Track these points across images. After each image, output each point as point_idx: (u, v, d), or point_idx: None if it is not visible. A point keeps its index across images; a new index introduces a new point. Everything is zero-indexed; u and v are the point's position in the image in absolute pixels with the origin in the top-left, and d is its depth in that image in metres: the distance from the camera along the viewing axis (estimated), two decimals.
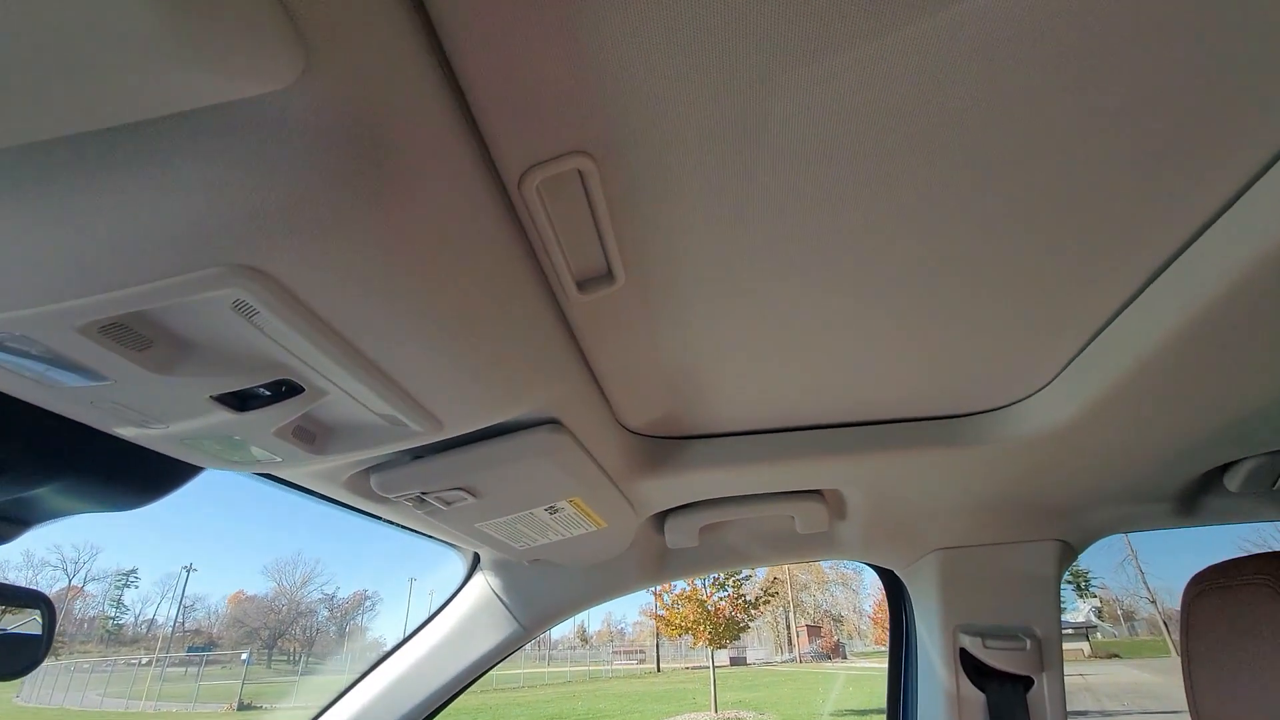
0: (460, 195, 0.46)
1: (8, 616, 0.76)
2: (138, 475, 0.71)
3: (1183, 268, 0.63)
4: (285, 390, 0.56)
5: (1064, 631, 1.33)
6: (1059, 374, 0.86)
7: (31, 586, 0.75)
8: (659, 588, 17.76)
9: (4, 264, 0.39)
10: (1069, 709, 1.27)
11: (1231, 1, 0.41)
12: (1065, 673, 1.29)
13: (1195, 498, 1.24)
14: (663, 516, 1.31)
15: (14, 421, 0.59)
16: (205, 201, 0.37)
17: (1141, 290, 0.68)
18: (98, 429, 0.59)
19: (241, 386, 0.53)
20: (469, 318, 0.55)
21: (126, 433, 0.59)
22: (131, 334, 0.46)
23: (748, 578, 17.88)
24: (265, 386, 0.55)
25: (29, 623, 0.74)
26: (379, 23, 0.35)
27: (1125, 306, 0.71)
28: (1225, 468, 1.10)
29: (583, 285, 0.62)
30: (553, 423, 0.80)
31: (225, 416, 0.56)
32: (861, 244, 0.61)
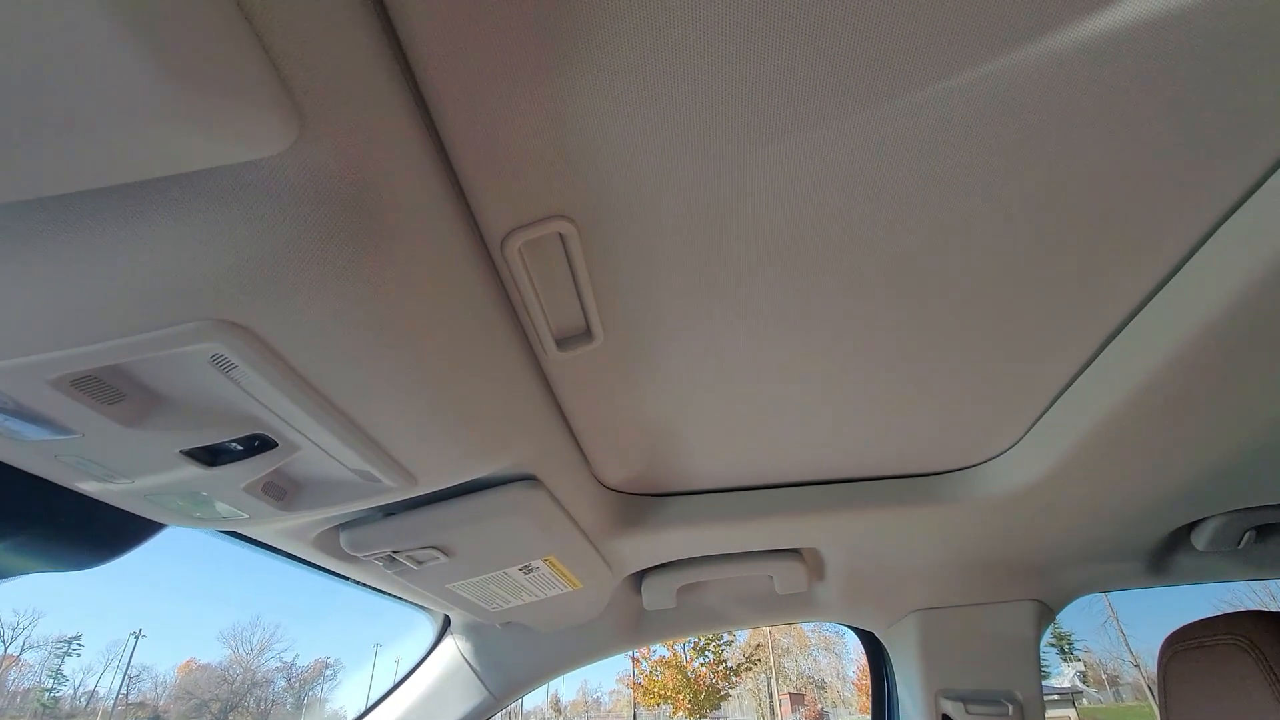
0: (443, 255, 0.48)
1: None
2: (94, 533, 0.69)
3: (1135, 332, 0.67)
4: (258, 445, 0.55)
5: (1050, 698, 1.31)
6: (1026, 433, 0.88)
7: None
8: (637, 653, 17.12)
9: None
10: None
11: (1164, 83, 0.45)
12: None
13: (1165, 557, 1.25)
14: (639, 578, 1.29)
15: None
16: (189, 257, 0.38)
17: (1098, 353, 0.71)
18: (55, 484, 0.57)
19: (213, 441, 0.53)
20: (448, 374, 0.56)
21: (89, 488, 0.58)
22: (104, 387, 0.46)
23: (728, 643, 17.35)
24: (237, 441, 0.54)
25: None
26: (370, 91, 0.37)
27: (1084, 368, 0.74)
28: (1192, 526, 1.12)
29: (562, 343, 0.63)
30: (529, 479, 0.80)
31: (195, 471, 0.55)
32: (833, 308, 0.64)
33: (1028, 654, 1.30)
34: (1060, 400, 0.79)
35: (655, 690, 16.30)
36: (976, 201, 0.53)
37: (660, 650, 16.62)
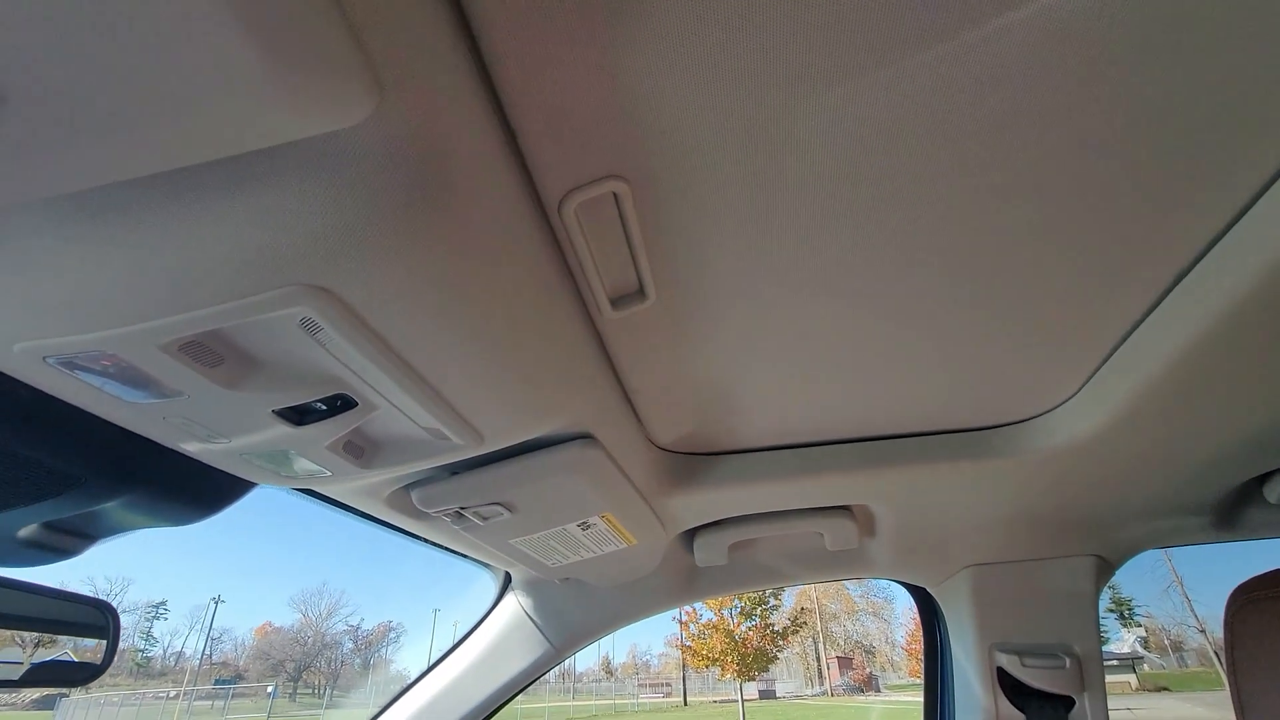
0: (506, 219, 0.50)
1: (39, 650, 0.80)
2: (195, 491, 0.75)
3: (1204, 272, 0.64)
4: (340, 405, 0.59)
5: (1109, 663, 1.30)
6: (1084, 384, 0.86)
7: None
8: (685, 618, 17.47)
9: (102, 286, 0.43)
10: None
11: (1236, 22, 0.43)
12: (1112, 708, 1.26)
13: (1234, 511, 1.21)
14: (692, 535, 1.32)
15: (86, 439, 0.63)
16: (281, 226, 0.41)
17: (1164, 296, 0.69)
18: (161, 446, 0.63)
19: (301, 401, 0.57)
20: (511, 334, 0.59)
21: (191, 448, 0.63)
22: (206, 351, 0.50)
23: (775, 608, 17.52)
24: (322, 401, 0.58)
25: (61, 653, 0.78)
26: (442, 61, 0.39)
27: (1148, 313, 0.72)
28: (1264, 478, 1.08)
29: (616, 303, 0.65)
30: (586, 438, 0.83)
31: (284, 430, 0.60)
32: (885, 261, 0.64)
33: (1086, 609, 1.28)
34: (1122, 348, 0.77)
35: (703, 653, 16.64)
36: (1034, 144, 0.52)
37: (707, 614, 16.92)
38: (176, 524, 0.78)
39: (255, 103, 0.31)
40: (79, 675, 0.77)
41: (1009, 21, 0.43)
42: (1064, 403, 0.92)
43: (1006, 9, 0.42)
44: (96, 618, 0.77)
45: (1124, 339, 0.77)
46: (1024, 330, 0.76)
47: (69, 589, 0.74)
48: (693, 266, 0.64)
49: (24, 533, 0.69)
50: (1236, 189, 0.57)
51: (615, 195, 0.53)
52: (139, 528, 0.76)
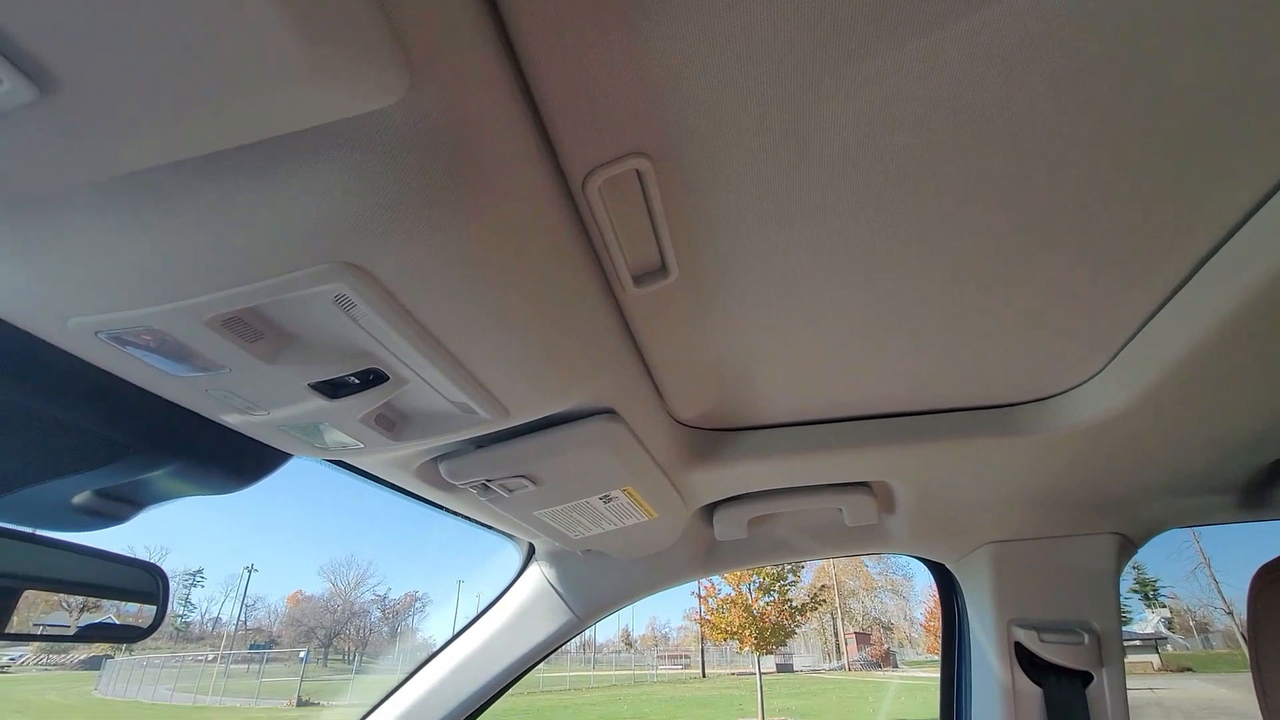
0: (531, 196, 0.51)
1: (84, 614, 0.85)
2: (235, 462, 0.78)
3: (1234, 250, 0.63)
4: (372, 379, 0.61)
5: (1131, 643, 1.29)
6: (1110, 361, 0.85)
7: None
8: (704, 592, 17.69)
9: (150, 265, 0.45)
10: None
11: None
12: (1133, 687, 1.26)
13: (1261, 489, 1.20)
14: (711, 509, 1.34)
15: (135, 411, 0.66)
16: (317, 206, 0.42)
17: (1193, 273, 0.68)
18: (204, 419, 0.66)
19: (335, 375, 0.59)
20: (536, 310, 0.60)
21: (231, 420, 0.66)
22: (247, 327, 0.52)
23: (793, 584, 17.65)
24: (355, 375, 0.61)
25: (106, 616, 0.83)
26: (469, 43, 0.39)
27: (1178, 290, 0.71)
28: None
29: (638, 279, 0.66)
30: (609, 413, 0.85)
31: (319, 403, 0.62)
32: (909, 237, 0.64)
33: (1107, 586, 1.28)
34: (1150, 325, 0.76)
35: (722, 626, 16.87)
36: (1060, 120, 0.51)
37: (726, 590, 17.11)
38: (218, 493, 0.82)
39: (294, 84, 0.32)
40: (131, 634, 0.82)
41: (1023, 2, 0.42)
42: (1089, 379, 0.91)
43: None
44: (147, 581, 0.82)
45: (1152, 315, 0.76)
46: (1050, 306, 0.75)
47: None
48: (715, 243, 0.64)
49: (78, 499, 0.73)
50: (1269, 165, 0.55)
51: (638, 172, 0.54)
52: (183, 496, 0.80)
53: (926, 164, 0.55)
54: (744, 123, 0.51)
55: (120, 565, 0.80)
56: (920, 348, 0.84)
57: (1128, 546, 1.31)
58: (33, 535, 0.73)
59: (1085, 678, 1.25)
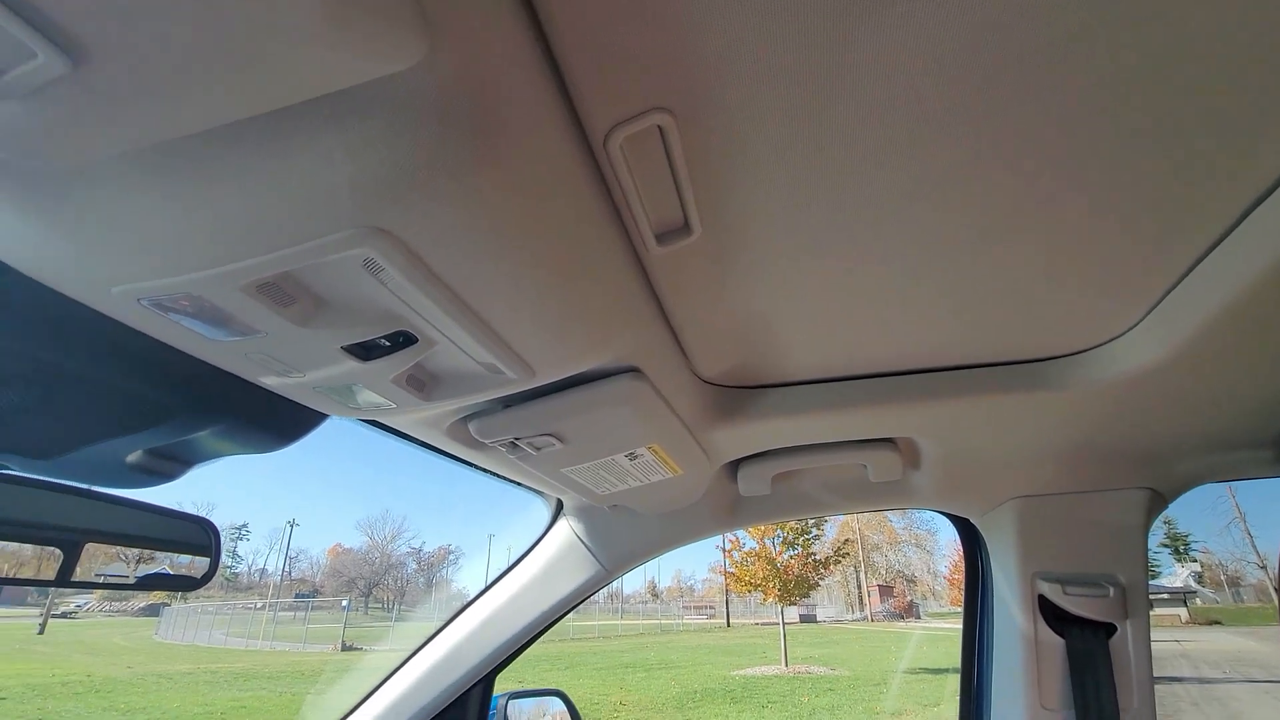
0: (553, 155, 0.51)
1: (140, 565, 0.90)
2: (274, 422, 0.82)
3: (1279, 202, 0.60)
4: (402, 341, 0.63)
5: (1159, 596, 1.29)
6: (1149, 312, 0.83)
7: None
8: (728, 545, 18.01)
9: (185, 233, 0.46)
10: (1164, 675, 1.24)
11: None
12: (1159, 640, 1.26)
13: None
14: (736, 465, 1.36)
15: (180, 374, 0.69)
16: (342, 172, 0.43)
17: (1236, 224, 0.65)
18: (244, 381, 0.69)
19: (366, 337, 0.60)
20: (560, 271, 0.61)
21: (270, 382, 0.68)
22: (280, 292, 0.53)
23: (816, 538, 17.85)
24: (385, 338, 0.62)
25: (160, 566, 0.88)
26: (487, 2, 0.39)
27: (1222, 239, 0.68)
28: None
29: (661, 238, 0.66)
30: (633, 371, 0.85)
31: (352, 365, 0.64)
32: (938, 187, 0.62)
33: (1135, 540, 1.27)
34: (1194, 272, 0.73)
35: (746, 579, 17.22)
36: (1097, 61, 0.49)
37: (750, 543, 17.40)
38: (259, 451, 0.85)
39: (314, 48, 0.33)
40: (186, 584, 0.87)
41: None
42: (1126, 332, 0.89)
43: None
44: (199, 534, 0.87)
45: (1194, 265, 0.73)
46: (1086, 257, 0.73)
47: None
48: (739, 200, 0.64)
49: (131, 458, 0.77)
50: None
51: (660, 128, 0.53)
52: (227, 454, 0.84)
53: (957, 110, 0.53)
54: (768, 73, 0.50)
55: (174, 519, 0.85)
56: (949, 302, 0.83)
57: (1158, 501, 1.30)
58: (92, 491, 0.77)
59: (1109, 629, 1.25)
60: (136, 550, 0.89)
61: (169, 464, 0.81)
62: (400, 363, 0.66)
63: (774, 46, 0.47)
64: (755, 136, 0.56)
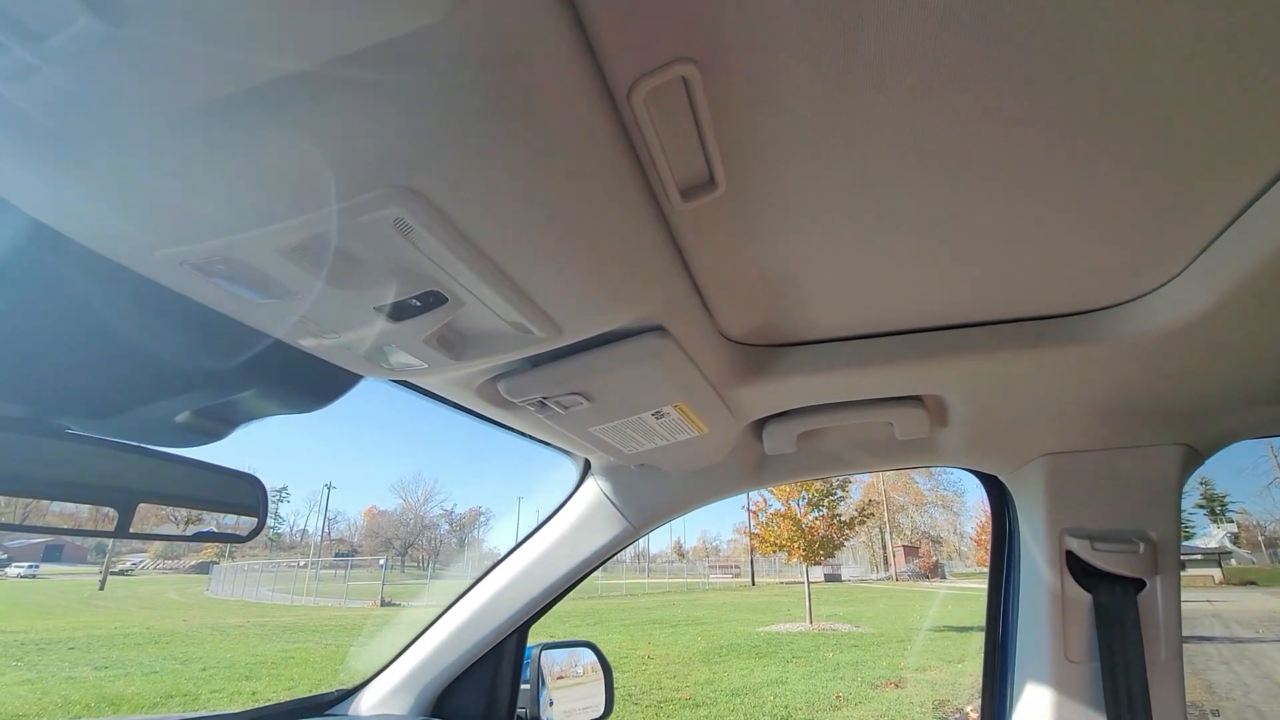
0: (577, 111, 0.50)
1: (190, 525, 0.94)
2: (313, 383, 0.84)
3: None
4: (433, 301, 0.64)
5: (1192, 557, 1.27)
6: (1193, 261, 0.80)
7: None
8: (752, 506, 18.18)
9: (226, 196, 0.47)
10: (1194, 635, 1.24)
11: None
12: (1192, 599, 1.25)
13: None
14: (761, 423, 1.36)
15: (225, 337, 0.71)
16: (372, 133, 0.43)
17: None
18: (284, 344, 0.71)
19: (398, 298, 0.62)
20: (585, 228, 0.61)
21: (307, 343, 0.70)
22: (314, 254, 0.55)
23: (842, 499, 17.91)
24: (416, 298, 0.63)
25: (246, 504, 0.93)
26: None
27: (1269, 187, 0.65)
28: None
29: (685, 194, 0.65)
30: (658, 330, 0.86)
31: (385, 325, 0.66)
32: (967, 138, 0.60)
33: (1168, 497, 1.25)
34: (1242, 218, 0.70)
35: (771, 539, 17.42)
36: (1141, 6, 0.46)
37: (775, 504, 17.54)
38: (299, 411, 0.88)
39: (339, 5, 0.33)
40: (235, 538, 0.92)
41: None
42: (1168, 282, 0.86)
43: None
44: (247, 491, 0.91)
45: (1243, 210, 0.70)
46: (1124, 208, 0.70)
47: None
48: (764, 154, 0.63)
49: (180, 417, 0.81)
50: None
51: (685, 80, 0.52)
52: (269, 414, 0.87)
53: (986, 57, 0.51)
54: (794, 20, 0.48)
55: (225, 475, 0.89)
56: (980, 256, 0.81)
57: (1194, 457, 1.27)
58: (146, 449, 0.82)
59: (1138, 585, 1.25)
60: (186, 511, 0.94)
61: (217, 424, 0.85)
62: (431, 322, 0.67)
63: None
64: (781, 87, 0.54)
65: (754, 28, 0.49)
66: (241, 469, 0.90)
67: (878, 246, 0.79)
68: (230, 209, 0.49)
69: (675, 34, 0.49)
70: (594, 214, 0.60)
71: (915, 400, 1.23)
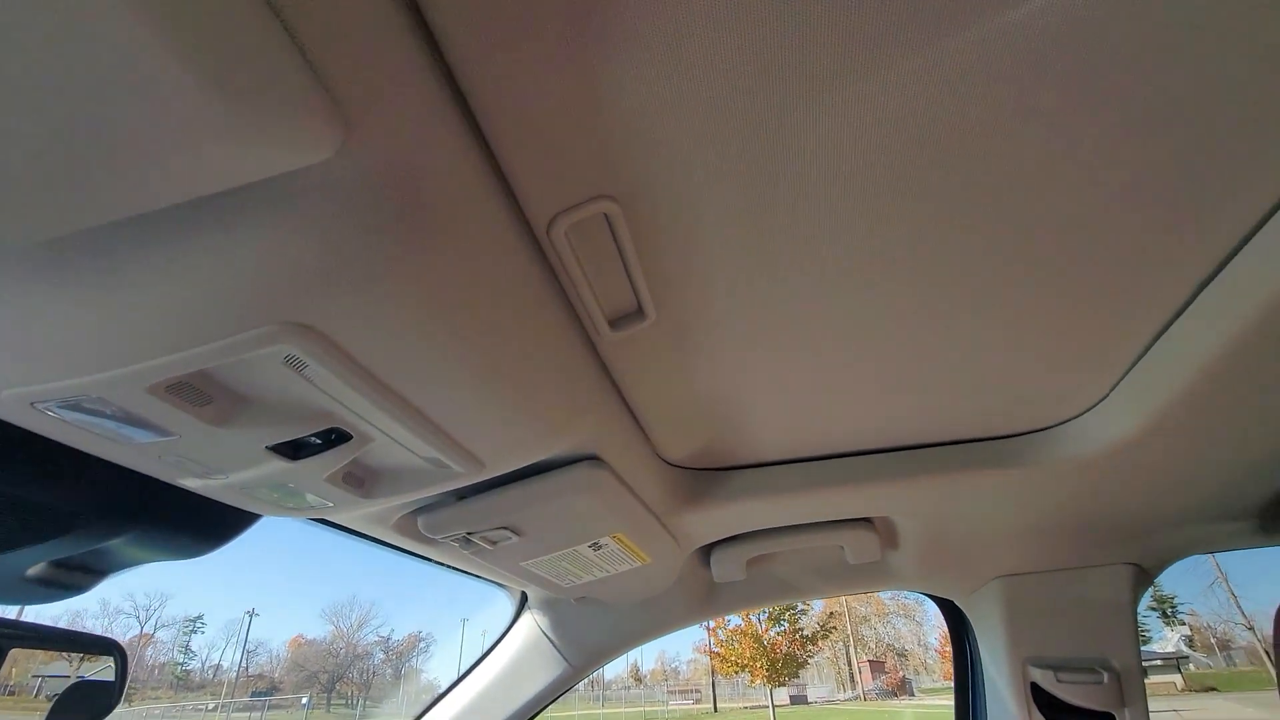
0: (491, 243, 0.48)
1: (85, 664, 0.80)
2: (200, 524, 0.75)
3: (1240, 268, 0.61)
4: (335, 438, 0.58)
5: (1153, 663, 1.23)
6: (1116, 386, 0.82)
7: (104, 634, 0.78)
8: (712, 624, 17.36)
9: (85, 331, 0.42)
10: None
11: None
12: (1158, 709, 1.20)
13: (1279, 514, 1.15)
14: (708, 550, 1.30)
15: (88, 478, 0.63)
16: (257, 265, 0.40)
17: (1198, 292, 0.65)
18: (164, 482, 0.63)
19: (294, 436, 0.56)
20: (505, 360, 0.57)
21: (191, 484, 0.62)
22: (194, 391, 0.49)
23: (803, 612, 17.32)
24: (316, 435, 0.57)
25: (103, 669, 0.78)
26: (409, 87, 0.37)
27: (1182, 311, 0.68)
28: None
29: (615, 323, 0.64)
30: (592, 459, 0.81)
31: (280, 465, 0.59)
32: (895, 268, 0.61)
33: (1124, 620, 1.23)
34: (1155, 347, 0.73)
35: (732, 659, 16.51)
36: (1059, 138, 0.49)
37: (735, 620, 16.79)
38: (184, 557, 0.78)
39: (212, 144, 0.30)
40: (89, 713, 0.77)
41: (1012, 20, 0.40)
42: (1095, 406, 0.88)
43: (1009, 7, 0.40)
44: (105, 656, 0.77)
45: (1157, 337, 0.73)
46: (1049, 333, 0.72)
47: (79, 629, 0.74)
48: (693, 282, 0.62)
49: (33, 571, 0.69)
50: (1275, 181, 0.53)
51: (606, 216, 0.52)
52: (147, 562, 0.76)
53: (911, 192, 0.53)
54: (714, 158, 0.49)
55: (78, 643, 0.76)
56: (915, 381, 0.81)
57: (1143, 577, 1.26)
58: None
59: (1106, 718, 1.19)
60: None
61: (78, 576, 0.73)
62: (334, 461, 0.61)
63: (718, 131, 0.46)
64: (706, 220, 0.54)
65: (674, 166, 0.49)
66: (102, 633, 0.77)
67: (813, 371, 0.78)
68: (91, 345, 0.43)
69: (593, 172, 0.48)
70: (514, 346, 0.57)
71: (865, 523, 1.20)
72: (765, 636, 16.45)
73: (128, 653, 0.79)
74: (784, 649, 16.36)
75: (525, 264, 0.53)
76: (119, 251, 0.38)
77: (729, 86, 0.44)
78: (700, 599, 1.44)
